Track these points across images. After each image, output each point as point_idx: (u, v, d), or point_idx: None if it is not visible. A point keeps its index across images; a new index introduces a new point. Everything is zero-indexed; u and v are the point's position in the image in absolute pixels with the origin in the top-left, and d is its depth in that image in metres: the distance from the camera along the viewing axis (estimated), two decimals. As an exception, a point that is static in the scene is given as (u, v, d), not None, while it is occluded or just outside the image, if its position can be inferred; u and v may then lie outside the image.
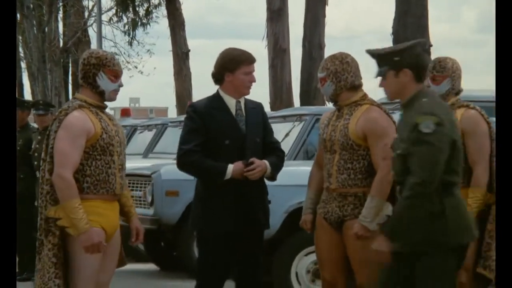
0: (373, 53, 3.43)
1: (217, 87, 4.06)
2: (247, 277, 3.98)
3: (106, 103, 3.83)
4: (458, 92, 4.25)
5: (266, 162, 3.96)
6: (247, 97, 4.08)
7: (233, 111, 3.99)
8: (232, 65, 3.96)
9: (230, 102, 4.00)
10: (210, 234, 3.94)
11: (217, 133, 3.93)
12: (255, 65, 4.05)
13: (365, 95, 4.07)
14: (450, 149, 3.26)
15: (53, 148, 3.66)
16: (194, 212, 4.05)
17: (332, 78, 4.01)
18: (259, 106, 4.10)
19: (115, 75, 3.74)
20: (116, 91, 3.77)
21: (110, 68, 3.72)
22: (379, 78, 3.43)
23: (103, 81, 3.72)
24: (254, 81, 4.01)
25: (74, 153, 3.62)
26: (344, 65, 4.01)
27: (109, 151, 3.69)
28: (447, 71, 4.22)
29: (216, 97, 4.02)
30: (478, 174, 4.04)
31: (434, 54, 11.37)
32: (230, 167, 3.90)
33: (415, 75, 3.35)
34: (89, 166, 3.66)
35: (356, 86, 4.03)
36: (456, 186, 3.32)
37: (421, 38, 11.00)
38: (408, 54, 3.35)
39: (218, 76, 4.00)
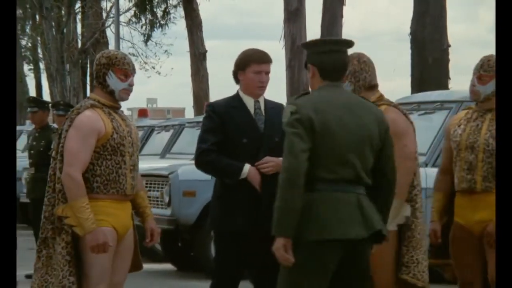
0: None
1: (237, 87, 4.08)
2: (265, 279, 3.96)
3: (123, 103, 3.83)
4: None
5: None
6: (268, 98, 4.06)
7: (252, 110, 3.99)
8: (242, 64, 3.98)
9: (249, 101, 4.00)
10: (224, 233, 3.95)
11: (235, 132, 3.93)
12: (273, 65, 4.03)
13: (381, 95, 4.05)
14: (313, 140, 3.11)
15: (61, 146, 3.67)
16: (211, 211, 4.07)
17: (351, 78, 3.99)
18: (279, 107, 4.08)
19: (125, 74, 3.73)
20: (126, 90, 3.75)
21: (120, 67, 3.72)
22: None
23: (112, 80, 3.72)
24: (263, 81, 3.96)
25: (84, 152, 3.63)
26: (362, 65, 3.99)
27: (120, 151, 3.69)
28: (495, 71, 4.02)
29: (235, 96, 4.04)
30: None
31: (452, 54, 11.35)
32: (247, 166, 3.89)
33: (319, 72, 3.26)
34: (99, 165, 3.66)
35: (373, 86, 4.01)
36: (326, 182, 3.13)
37: (439, 38, 10.95)
38: (311, 50, 3.29)
39: (234, 74, 4.03)
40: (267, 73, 4.00)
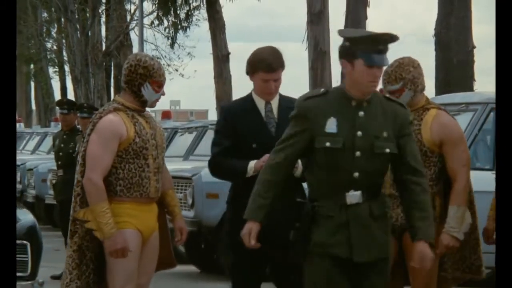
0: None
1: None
2: (288, 280, 3.88)
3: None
4: None
5: (298, 160, 3.79)
6: (287, 94, 3.94)
7: (263, 113, 3.87)
8: (251, 68, 3.87)
9: (260, 104, 3.88)
10: (238, 241, 3.81)
11: (246, 137, 3.83)
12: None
13: (428, 98, 4.01)
14: None
15: (83, 150, 3.70)
16: (225, 216, 4.00)
17: (410, 86, 3.91)
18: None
19: (160, 85, 3.75)
20: (157, 100, 3.79)
21: (156, 79, 3.73)
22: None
23: (147, 91, 3.74)
24: (271, 89, 3.81)
25: (105, 156, 3.64)
26: (418, 69, 3.95)
27: (142, 154, 3.69)
28: None
29: (248, 98, 3.92)
30: None
31: (478, 56, 11.22)
32: (252, 163, 3.76)
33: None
34: (122, 169, 3.67)
35: (424, 87, 4.00)
36: None
37: (464, 40, 10.84)
38: (360, 44, 3.16)
39: (246, 73, 3.91)
40: (276, 80, 3.84)
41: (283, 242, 3.81)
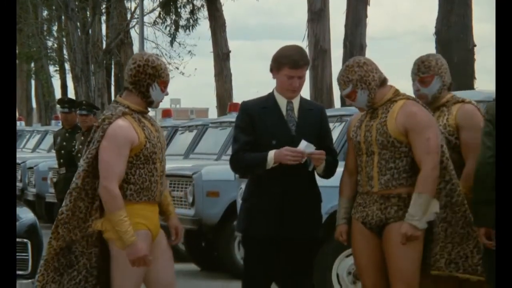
0: None
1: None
2: (292, 283, 3.89)
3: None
4: (450, 87, 4.12)
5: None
6: (308, 98, 4.00)
7: (284, 111, 3.89)
8: (276, 64, 3.89)
9: (282, 102, 3.90)
10: (249, 236, 3.91)
11: (265, 134, 3.86)
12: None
13: (397, 90, 3.95)
14: None
15: (91, 157, 3.63)
16: (238, 213, 4.04)
17: (361, 85, 3.87)
18: (317, 108, 3.97)
19: (166, 85, 3.73)
20: (161, 100, 3.77)
21: (164, 79, 3.70)
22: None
23: (155, 92, 3.69)
24: (295, 86, 3.85)
25: (119, 164, 3.60)
26: (364, 67, 3.88)
27: (152, 159, 3.67)
28: (433, 69, 4.08)
29: (269, 96, 3.94)
30: (469, 168, 3.86)
31: (479, 54, 11.22)
32: (271, 153, 3.79)
33: None
34: (132, 174, 3.64)
35: (384, 81, 3.92)
36: None
37: (464, 38, 10.84)
38: None
39: (270, 70, 3.94)
40: (300, 77, 3.87)
41: (298, 246, 3.84)
